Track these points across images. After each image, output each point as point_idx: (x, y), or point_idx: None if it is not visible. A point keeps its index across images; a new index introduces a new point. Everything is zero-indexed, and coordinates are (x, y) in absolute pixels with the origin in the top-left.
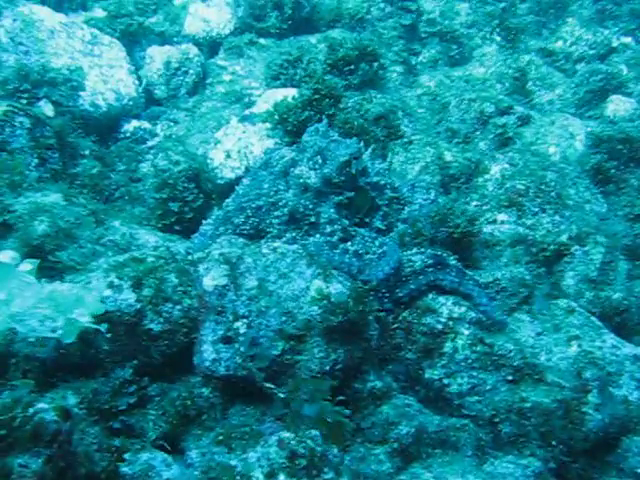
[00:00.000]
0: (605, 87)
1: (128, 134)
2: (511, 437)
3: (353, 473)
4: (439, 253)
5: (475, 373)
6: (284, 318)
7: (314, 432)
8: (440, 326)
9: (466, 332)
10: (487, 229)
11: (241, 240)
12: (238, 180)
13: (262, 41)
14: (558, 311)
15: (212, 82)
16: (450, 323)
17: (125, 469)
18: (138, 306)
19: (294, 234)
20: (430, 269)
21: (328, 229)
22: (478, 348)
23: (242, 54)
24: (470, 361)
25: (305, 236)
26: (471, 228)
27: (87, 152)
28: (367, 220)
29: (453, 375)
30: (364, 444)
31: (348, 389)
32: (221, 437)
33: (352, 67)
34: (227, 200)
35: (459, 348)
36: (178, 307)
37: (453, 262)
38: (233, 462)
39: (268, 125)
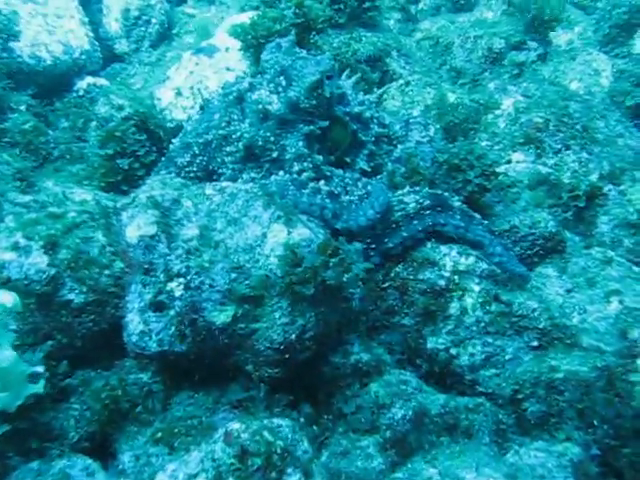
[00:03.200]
0: (631, 21)
1: (81, 92)
2: (540, 418)
3: (331, 472)
4: (438, 192)
5: (490, 339)
6: (234, 275)
7: (276, 420)
8: (443, 282)
9: (477, 288)
10: (500, 169)
11: (178, 180)
12: None
13: None
14: (592, 262)
15: (179, 32)
16: (456, 277)
17: None
18: (52, 272)
19: (253, 174)
20: (427, 212)
21: (296, 167)
22: (493, 308)
23: (213, 0)
24: (483, 324)
25: (267, 176)
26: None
27: (22, 107)
28: (348, 160)
29: (463, 343)
30: (347, 434)
31: (325, 365)
32: (160, 434)
33: (341, 6)
34: (173, 140)
35: (468, 308)
36: (107, 272)
37: (457, 203)
38: (172, 465)
39: (231, 56)
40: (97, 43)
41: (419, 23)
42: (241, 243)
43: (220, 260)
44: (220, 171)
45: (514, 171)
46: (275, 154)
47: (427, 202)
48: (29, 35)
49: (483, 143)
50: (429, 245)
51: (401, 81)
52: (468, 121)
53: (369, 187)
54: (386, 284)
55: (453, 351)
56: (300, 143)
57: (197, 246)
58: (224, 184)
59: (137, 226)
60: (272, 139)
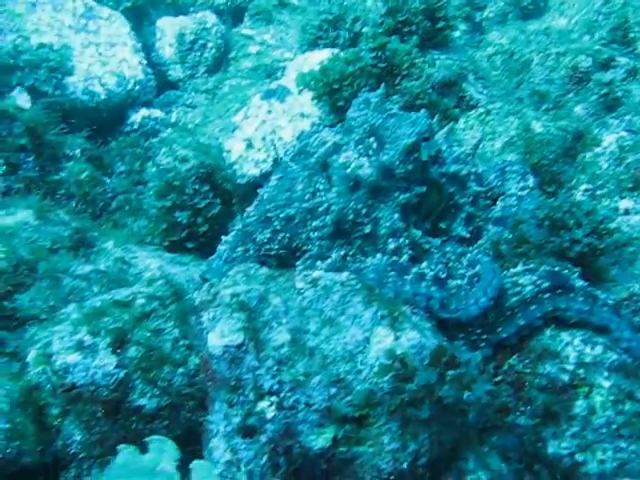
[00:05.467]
0: None
1: (136, 126)
2: None
3: None
4: (556, 270)
5: (624, 444)
6: (334, 390)
7: None
8: (566, 376)
9: (606, 383)
10: (611, 224)
11: (264, 270)
12: (265, 177)
13: (295, 1)
14: None
15: (236, 56)
16: (581, 371)
17: None
18: (121, 374)
19: (342, 252)
20: (546, 295)
21: (391, 244)
22: (626, 407)
23: (271, 20)
24: (615, 427)
25: (358, 255)
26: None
27: (77, 152)
28: (443, 226)
29: (590, 448)
30: None
31: None
32: None
33: (412, 28)
34: (248, 209)
35: (597, 408)
36: (181, 370)
37: (579, 282)
38: None
39: (305, 99)
40: (150, 71)
41: (486, 34)
42: (339, 349)
43: (317, 371)
44: (305, 248)
45: (627, 225)
46: (367, 229)
47: (545, 284)
48: (82, 68)
49: (582, 187)
50: (548, 332)
51: (481, 109)
52: (561, 158)
53: (478, 267)
54: (498, 378)
55: (579, 457)
56: (395, 215)
57: (289, 354)
58: (315, 274)
59: (221, 333)
60: (364, 211)
